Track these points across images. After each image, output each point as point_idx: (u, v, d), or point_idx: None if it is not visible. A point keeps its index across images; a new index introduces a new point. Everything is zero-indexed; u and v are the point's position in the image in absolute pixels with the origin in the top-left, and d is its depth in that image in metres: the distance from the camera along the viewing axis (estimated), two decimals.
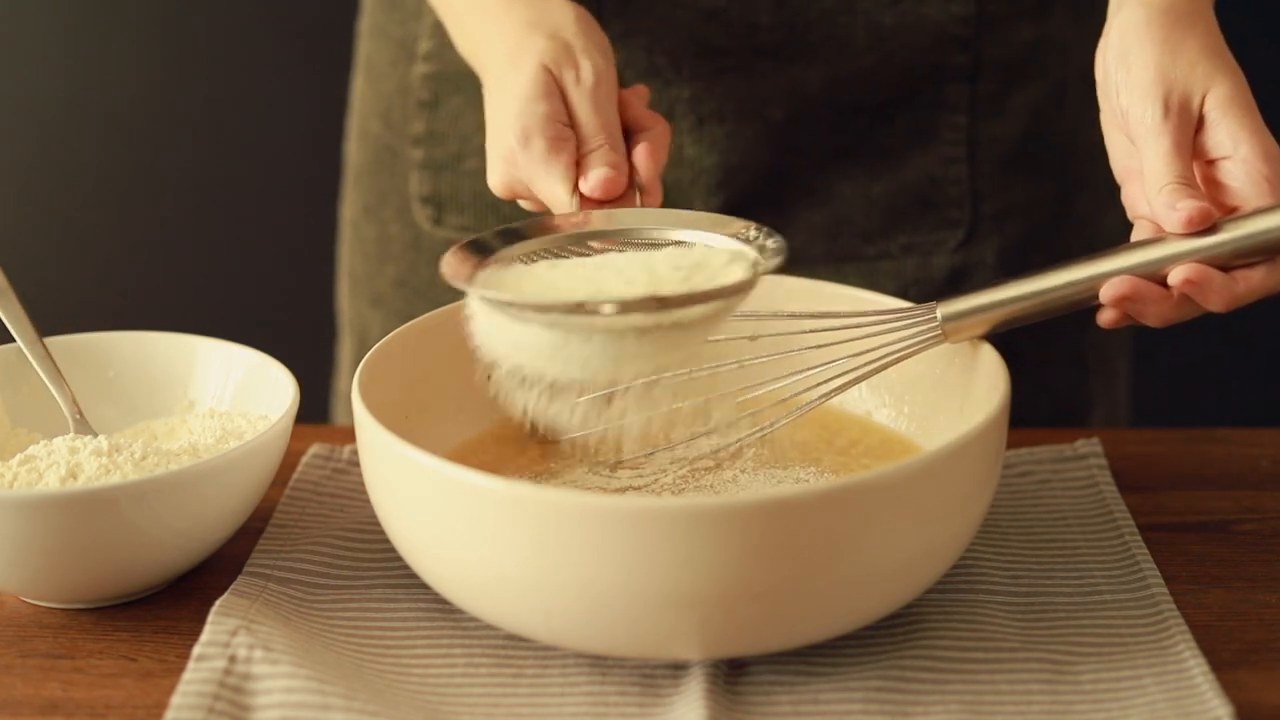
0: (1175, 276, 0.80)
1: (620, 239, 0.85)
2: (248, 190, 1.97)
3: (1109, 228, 1.16)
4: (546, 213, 0.89)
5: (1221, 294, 0.79)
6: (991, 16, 1.10)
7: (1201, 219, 0.79)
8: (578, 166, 0.87)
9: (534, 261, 0.83)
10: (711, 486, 0.86)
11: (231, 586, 0.84)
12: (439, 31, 1.12)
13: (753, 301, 0.81)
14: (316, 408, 1.19)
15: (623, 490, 0.86)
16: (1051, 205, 1.15)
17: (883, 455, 0.91)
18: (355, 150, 1.24)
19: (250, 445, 0.83)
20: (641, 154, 0.89)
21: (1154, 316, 0.81)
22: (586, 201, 0.86)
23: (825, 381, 0.86)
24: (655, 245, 0.84)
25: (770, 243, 0.81)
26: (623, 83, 0.93)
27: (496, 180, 0.90)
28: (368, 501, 0.85)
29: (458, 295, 1.03)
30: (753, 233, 0.82)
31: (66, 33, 1.91)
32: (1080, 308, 0.83)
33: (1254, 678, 0.79)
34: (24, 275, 1.02)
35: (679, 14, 1.07)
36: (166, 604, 0.86)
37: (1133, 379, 1.29)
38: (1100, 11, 0.90)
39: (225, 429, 0.91)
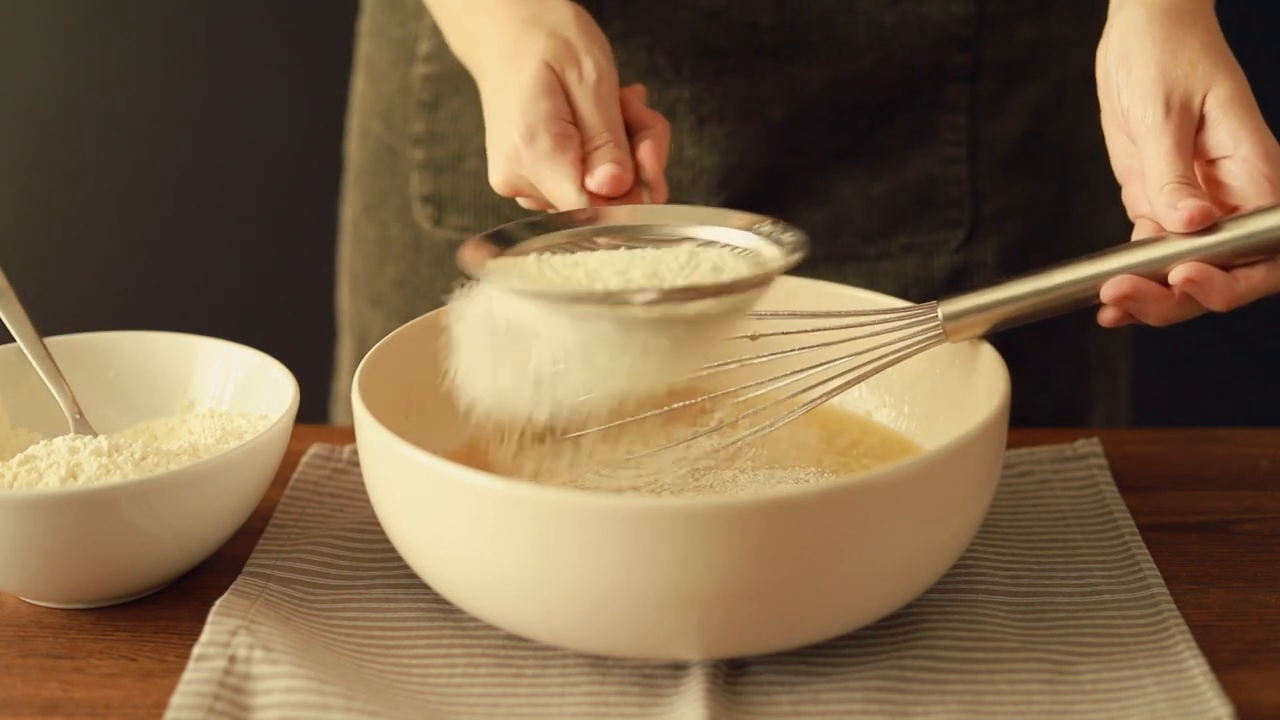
0: (1176, 275, 0.80)
1: (636, 235, 0.85)
2: (248, 190, 1.97)
3: (1110, 228, 1.16)
4: (548, 209, 0.90)
5: (1222, 293, 0.79)
6: (992, 16, 1.10)
7: (1202, 218, 0.79)
8: (583, 164, 0.87)
9: (547, 257, 0.83)
10: (711, 486, 0.86)
11: (231, 586, 0.84)
12: (439, 32, 1.12)
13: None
14: (316, 408, 1.19)
15: (622, 490, 0.86)
16: (1052, 205, 1.15)
17: (883, 455, 0.91)
18: (355, 150, 1.24)
19: (250, 445, 0.83)
20: (646, 151, 0.89)
21: (1155, 315, 0.81)
22: (594, 198, 0.87)
23: (825, 381, 0.86)
24: (666, 241, 0.84)
25: (787, 236, 0.81)
26: (622, 82, 0.93)
27: (499, 178, 0.90)
28: (368, 501, 0.85)
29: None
30: (767, 227, 0.83)
31: (66, 33, 1.91)
32: (1081, 307, 0.83)
33: (1254, 678, 0.79)
34: (24, 275, 1.02)
35: (679, 14, 1.07)
36: (166, 604, 0.86)
37: (1133, 379, 1.29)
38: (1101, 11, 0.90)
39: (225, 429, 0.91)
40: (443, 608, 0.84)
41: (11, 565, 0.81)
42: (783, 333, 0.88)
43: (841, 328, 0.87)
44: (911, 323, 0.85)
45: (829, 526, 0.72)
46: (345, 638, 0.82)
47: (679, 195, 1.11)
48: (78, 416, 0.92)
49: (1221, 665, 0.79)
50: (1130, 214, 0.85)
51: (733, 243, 0.83)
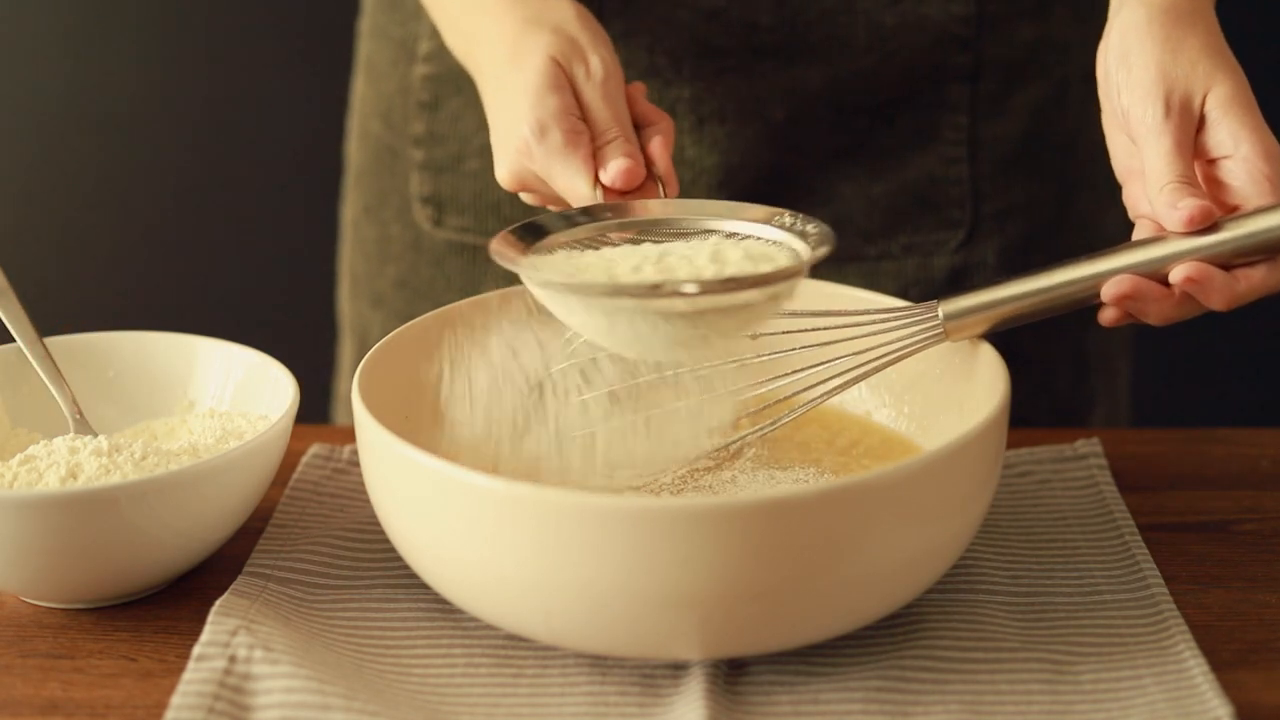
0: (1176, 275, 0.80)
1: (659, 229, 0.85)
2: (248, 190, 1.97)
3: (1110, 228, 1.16)
4: (553, 205, 0.90)
5: (1223, 293, 0.79)
6: (992, 16, 1.10)
7: (1203, 218, 0.79)
8: (594, 159, 0.87)
9: (574, 253, 0.83)
10: (711, 486, 0.86)
11: (231, 586, 0.84)
12: (439, 33, 1.12)
13: None
14: (316, 408, 1.19)
15: (622, 490, 0.86)
16: (1052, 205, 1.15)
17: (883, 455, 0.91)
18: (356, 151, 1.24)
19: (250, 445, 0.83)
20: (657, 146, 0.89)
21: (1155, 315, 0.81)
22: (607, 193, 0.87)
23: (825, 381, 0.86)
24: (690, 234, 0.84)
25: (810, 227, 0.81)
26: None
27: (506, 173, 0.90)
28: (368, 501, 0.85)
29: (457, 295, 1.03)
30: (789, 219, 0.83)
31: (66, 33, 1.91)
32: (1082, 306, 0.83)
33: (1254, 678, 0.79)
34: (24, 275, 1.02)
35: (679, 14, 1.07)
36: (166, 604, 0.86)
37: (1133, 379, 1.29)
38: (1101, 11, 0.90)
39: (225, 429, 0.91)
40: (443, 608, 0.84)
41: (11, 565, 0.81)
42: (783, 332, 0.88)
43: (841, 327, 0.87)
44: (912, 322, 0.85)
45: (829, 526, 0.72)
46: (345, 638, 0.82)
47: (679, 195, 1.11)
48: (78, 416, 0.92)
49: (1221, 665, 0.79)
50: (1130, 214, 0.85)
51: (759, 235, 0.83)
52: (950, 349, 0.87)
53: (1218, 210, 0.80)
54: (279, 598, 0.84)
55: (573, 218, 0.84)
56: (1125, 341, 1.26)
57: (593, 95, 0.89)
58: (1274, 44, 1.57)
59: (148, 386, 0.96)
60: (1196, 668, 0.78)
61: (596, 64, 0.90)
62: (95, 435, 0.88)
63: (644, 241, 0.84)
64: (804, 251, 0.80)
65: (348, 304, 1.27)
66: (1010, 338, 0.86)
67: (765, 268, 0.79)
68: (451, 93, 1.14)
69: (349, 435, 1.01)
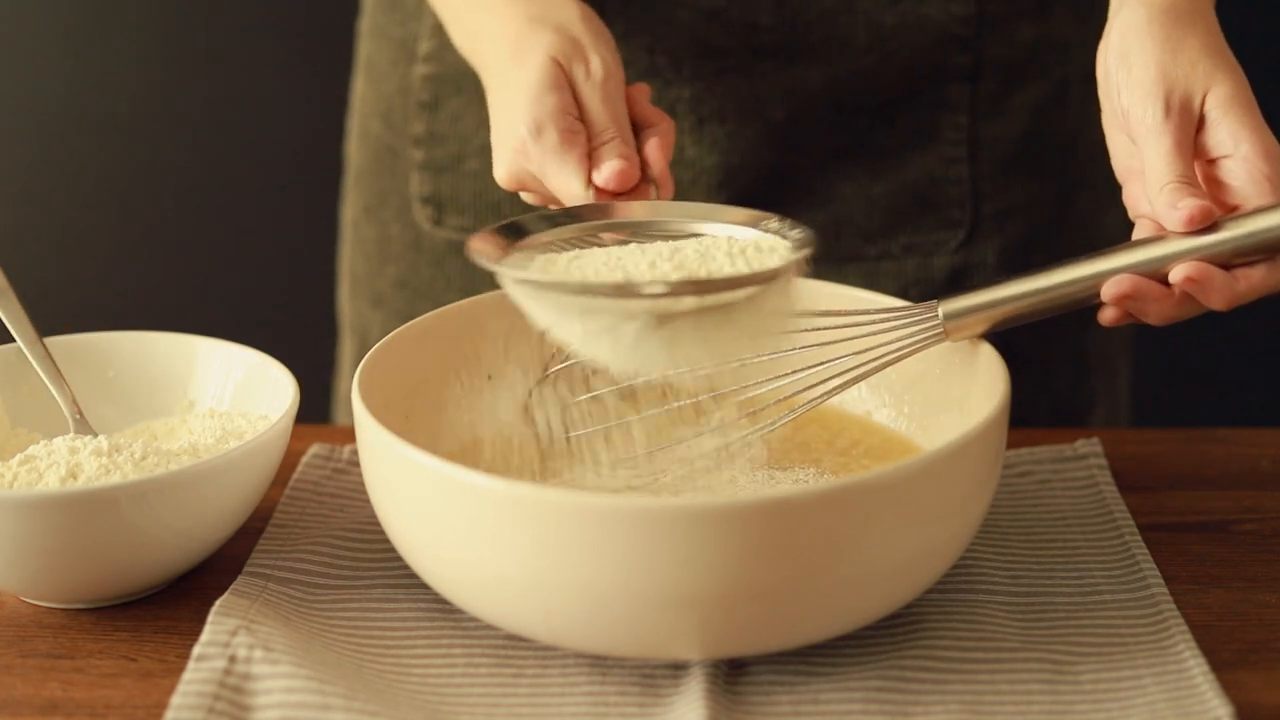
0: (1176, 275, 0.80)
1: (645, 231, 0.85)
2: (248, 190, 1.97)
3: (1110, 228, 1.16)
4: (551, 204, 0.90)
5: (1223, 292, 0.79)
6: (992, 16, 1.10)
7: (1203, 217, 0.79)
8: (589, 159, 0.87)
9: (560, 250, 0.83)
10: (711, 486, 0.86)
11: (231, 586, 0.84)
12: (439, 32, 1.12)
13: None
14: (316, 408, 1.19)
15: (622, 490, 0.86)
16: (1052, 205, 1.15)
17: (883, 455, 0.91)
18: (356, 151, 1.24)
19: (250, 445, 0.83)
20: (653, 148, 0.89)
21: (1155, 315, 0.81)
22: (600, 194, 0.87)
23: (825, 381, 0.86)
24: (675, 237, 0.84)
25: (795, 233, 0.81)
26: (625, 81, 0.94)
27: (504, 171, 0.90)
28: (368, 501, 0.85)
29: (457, 295, 1.03)
30: (774, 224, 0.83)
31: (66, 33, 1.91)
32: (1082, 306, 0.83)
33: (1254, 678, 0.79)
34: (24, 275, 1.02)
35: (679, 14, 1.07)
36: (166, 604, 0.86)
37: (1133, 379, 1.29)
38: (1101, 11, 0.90)
39: (225, 429, 0.91)
40: (443, 608, 0.84)
41: (11, 565, 0.81)
42: (783, 332, 0.88)
43: (841, 327, 0.87)
44: (912, 322, 0.85)
45: (829, 526, 0.72)
46: (345, 638, 0.82)
47: (679, 195, 1.11)
48: (78, 416, 0.92)
49: (1221, 665, 0.79)
50: (1130, 214, 0.85)
51: (741, 238, 0.83)
52: (950, 349, 0.87)
53: (1217, 210, 0.80)
54: (279, 598, 0.84)
55: (555, 218, 0.84)
56: (1125, 341, 1.26)
57: (591, 96, 0.89)
58: (1274, 44, 1.57)
59: (148, 386, 0.96)
60: (1196, 668, 0.78)
61: (597, 64, 0.90)
62: (95, 435, 0.88)
63: (628, 244, 0.84)
64: (784, 256, 0.80)
65: (348, 304, 1.27)
66: (1010, 338, 0.86)
67: (736, 271, 0.78)
68: (451, 92, 1.14)
69: (349, 435, 1.01)
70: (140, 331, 0.97)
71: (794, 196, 1.11)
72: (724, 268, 0.78)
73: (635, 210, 0.85)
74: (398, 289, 1.20)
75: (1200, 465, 1.00)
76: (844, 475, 0.88)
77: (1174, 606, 0.83)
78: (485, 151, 1.13)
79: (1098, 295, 0.81)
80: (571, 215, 0.85)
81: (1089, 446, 0.99)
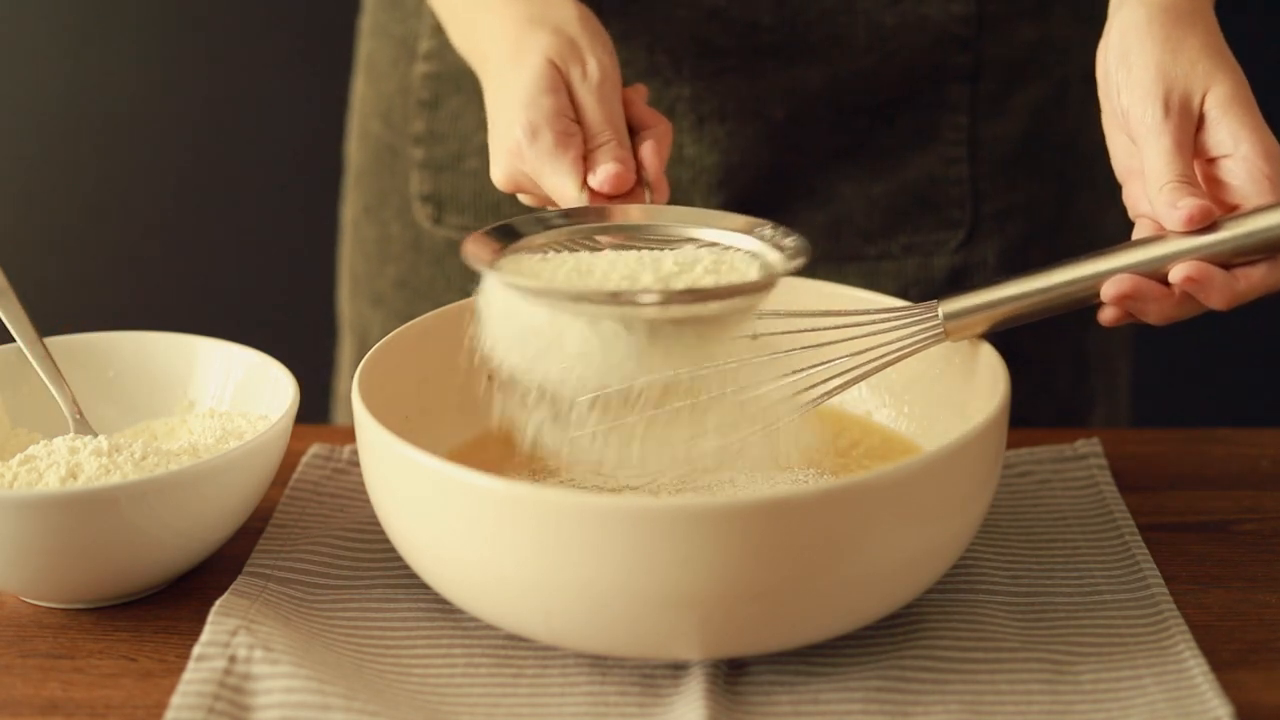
0: (1176, 274, 0.80)
1: (639, 235, 0.85)
2: (248, 190, 1.97)
3: (1110, 227, 1.16)
4: (548, 206, 0.90)
5: (1222, 292, 0.79)
6: (992, 16, 1.10)
7: (1202, 217, 0.79)
8: (585, 161, 0.87)
9: (549, 253, 0.83)
10: (711, 486, 0.86)
11: (231, 586, 0.84)
12: (440, 31, 1.12)
13: None
14: (316, 408, 1.19)
15: (622, 490, 0.86)
16: (1053, 205, 1.15)
17: (883, 455, 0.91)
18: (356, 150, 1.24)
19: (250, 445, 0.83)
20: (648, 151, 0.89)
21: (1155, 314, 0.81)
22: (595, 196, 0.87)
23: (825, 381, 0.86)
24: (669, 242, 0.84)
25: (789, 240, 0.81)
26: (623, 82, 0.94)
27: (500, 173, 0.90)
28: (368, 501, 0.85)
29: (457, 295, 1.03)
30: (768, 230, 0.83)
31: (66, 33, 1.91)
32: (1081, 306, 0.83)
33: (1254, 678, 0.79)
34: (24, 275, 1.02)
35: (679, 13, 1.07)
36: (166, 604, 0.86)
37: (1133, 379, 1.29)
38: (1101, 11, 0.90)
39: (225, 429, 0.91)
40: (443, 608, 0.84)
41: (11, 565, 0.81)
42: (783, 333, 0.88)
43: (841, 327, 0.87)
44: (912, 322, 0.85)
45: (829, 526, 0.72)
46: (345, 638, 0.82)
47: (678, 194, 1.11)
48: (78, 416, 0.92)
49: (1221, 665, 0.79)
50: (1130, 213, 0.85)
51: (735, 245, 0.83)
52: (950, 349, 0.87)
53: (1217, 209, 0.80)
54: (279, 598, 0.84)
55: (549, 220, 0.84)
56: (1125, 341, 1.26)
57: (588, 98, 0.89)
58: (1274, 44, 1.57)
59: (148, 386, 0.96)
60: (1196, 668, 0.78)
61: (594, 66, 0.90)
62: (95, 435, 0.88)
63: (631, 248, 0.84)
64: (778, 264, 0.80)
65: (348, 304, 1.27)
66: (1010, 338, 0.86)
67: (732, 280, 0.78)
68: (451, 91, 1.14)
69: (349, 435, 1.01)
70: (140, 331, 0.97)
71: (794, 196, 1.12)
72: (714, 278, 0.78)
73: (632, 215, 0.86)
74: (398, 289, 1.20)
75: (1200, 465, 1.00)
76: (844, 475, 0.88)
77: (1174, 606, 0.83)
78: (485, 150, 1.12)
79: (1098, 295, 0.81)
80: (565, 218, 0.85)
81: (1089, 446, 0.98)
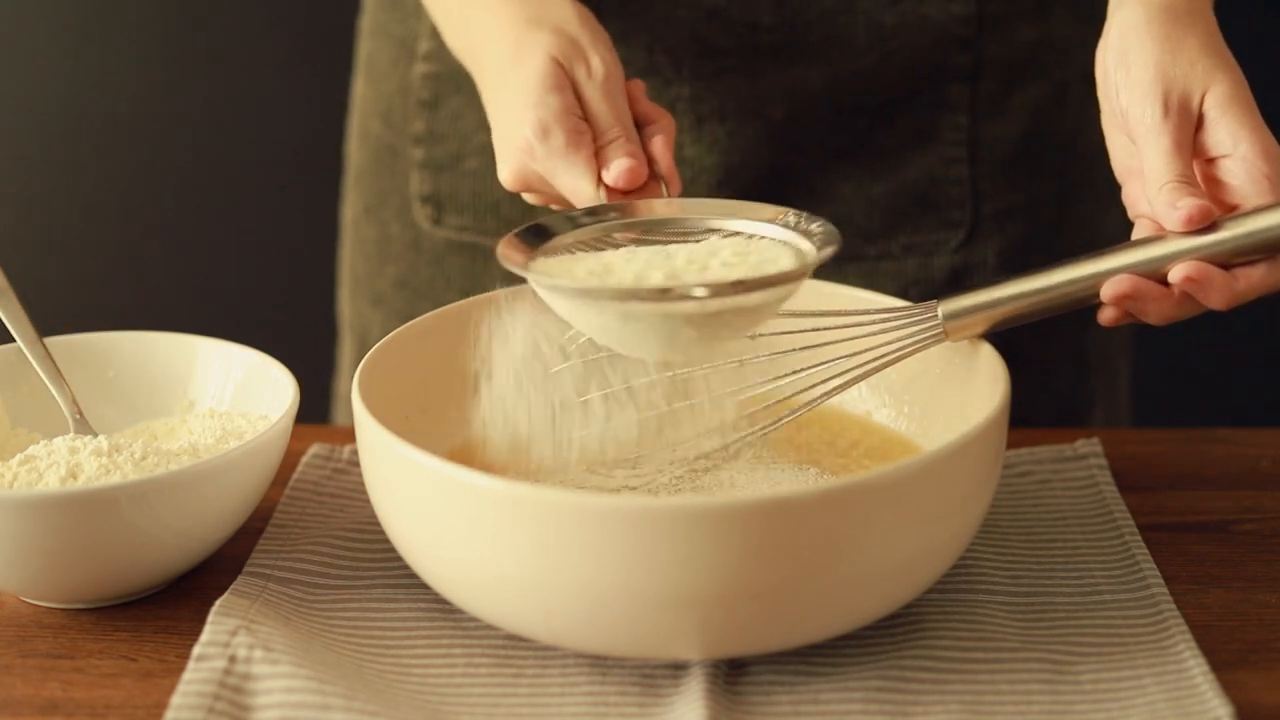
0: (1176, 274, 0.80)
1: (664, 229, 0.85)
2: (248, 190, 1.97)
3: (1110, 228, 1.16)
4: (556, 205, 0.90)
5: (1222, 292, 0.79)
6: (992, 16, 1.10)
7: (1202, 217, 0.79)
8: (597, 159, 0.87)
9: (580, 255, 0.83)
10: (711, 487, 0.86)
11: (231, 586, 0.84)
12: (439, 31, 1.12)
13: None
14: (316, 408, 1.19)
15: (622, 490, 0.86)
16: (1052, 205, 1.15)
17: (883, 455, 0.91)
18: (356, 150, 1.24)
19: (250, 445, 0.83)
20: (659, 145, 0.89)
21: (1155, 314, 0.81)
22: (610, 193, 0.87)
23: (825, 381, 0.86)
24: (694, 234, 0.84)
25: (815, 226, 0.82)
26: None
27: (509, 173, 0.90)
28: (368, 501, 0.85)
29: (457, 295, 1.03)
30: (793, 218, 0.83)
31: (66, 33, 1.91)
32: (1081, 306, 0.83)
33: (1254, 678, 0.79)
34: (24, 275, 1.02)
35: (679, 13, 1.07)
36: (166, 604, 0.86)
37: (1133, 379, 1.29)
38: (1101, 11, 0.90)
39: (225, 429, 0.91)
40: (443, 608, 0.84)
41: (11, 565, 0.81)
42: (783, 332, 0.88)
43: (841, 327, 0.87)
44: (911, 322, 0.85)
45: (829, 526, 0.72)
46: (345, 638, 0.82)
47: (682, 194, 1.11)
48: (78, 416, 0.92)
49: (1221, 665, 0.79)
50: (1130, 213, 0.85)
51: (765, 235, 0.83)
52: (950, 349, 0.87)
53: (1217, 209, 0.80)
54: (279, 598, 0.84)
55: (577, 219, 0.84)
56: (1125, 341, 1.26)
57: (594, 95, 0.89)
58: (1274, 44, 1.57)
59: (148, 386, 0.96)
60: (1196, 668, 0.78)
61: (597, 63, 0.90)
62: (95, 435, 0.88)
63: (649, 242, 0.84)
64: (809, 251, 0.80)
65: (348, 304, 1.27)
66: (1010, 338, 0.86)
67: (771, 269, 0.79)
68: (451, 91, 1.14)
69: (349, 435, 1.01)
70: (140, 331, 0.97)
71: (794, 196, 1.11)
72: (751, 268, 0.79)
73: (657, 209, 0.86)
74: (398, 289, 1.20)
75: (1200, 465, 1.00)
76: (844, 475, 0.88)
77: (1174, 606, 0.83)
78: (485, 150, 1.13)
79: (1098, 295, 0.81)
80: (593, 215, 0.85)
81: (1089, 446, 0.99)
